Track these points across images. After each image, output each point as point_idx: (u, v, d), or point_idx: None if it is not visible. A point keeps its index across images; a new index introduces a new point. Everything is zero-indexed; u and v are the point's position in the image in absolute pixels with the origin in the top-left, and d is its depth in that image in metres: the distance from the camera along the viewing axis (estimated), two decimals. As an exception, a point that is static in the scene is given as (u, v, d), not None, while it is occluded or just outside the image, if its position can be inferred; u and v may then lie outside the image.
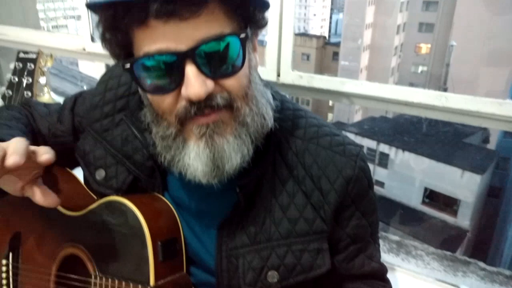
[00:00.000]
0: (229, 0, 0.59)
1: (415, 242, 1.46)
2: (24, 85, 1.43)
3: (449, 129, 17.49)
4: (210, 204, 0.77)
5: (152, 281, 0.69)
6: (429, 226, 15.77)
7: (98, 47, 1.70)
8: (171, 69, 0.60)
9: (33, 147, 0.63)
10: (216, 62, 0.60)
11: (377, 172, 17.31)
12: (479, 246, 15.42)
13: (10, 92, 1.43)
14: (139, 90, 0.71)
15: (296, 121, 0.77)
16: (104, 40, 0.64)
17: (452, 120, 1.19)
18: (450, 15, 24.25)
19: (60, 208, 0.83)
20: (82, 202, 0.82)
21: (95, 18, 0.64)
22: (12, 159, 0.57)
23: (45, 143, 0.89)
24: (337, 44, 33.37)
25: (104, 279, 0.74)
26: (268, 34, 1.34)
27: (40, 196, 0.68)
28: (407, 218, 15.92)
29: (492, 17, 21.61)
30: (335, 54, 33.32)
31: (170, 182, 0.80)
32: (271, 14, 1.31)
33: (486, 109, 1.12)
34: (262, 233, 0.73)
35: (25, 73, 1.44)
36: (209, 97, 0.60)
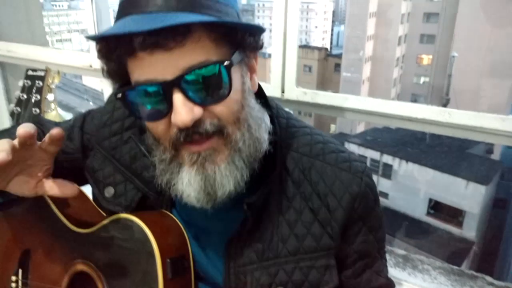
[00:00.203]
0: (215, 27, 0.60)
1: (421, 256, 1.45)
2: (33, 102, 1.46)
3: (452, 139, 17.44)
4: (217, 221, 0.77)
5: (161, 299, 0.69)
6: (435, 238, 15.61)
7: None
8: (160, 98, 0.61)
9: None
10: (203, 90, 0.61)
11: (381, 183, 17.23)
12: (486, 258, 15.22)
13: (19, 109, 1.46)
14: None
15: (302, 138, 0.78)
16: (103, 69, 0.68)
17: (455, 135, 1.20)
18: (451, 27, 24.38)
19: (69, 225, 0.84)
20: (91, 219, 0.83)
21: None
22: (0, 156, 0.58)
23: (54, 160, 0.91)
24: (339, 56, 33.58)
25: (113, 296, 0.75)
26: (273, 51, 1.36)
27: (56, 188, 0.69)
28: (412, 230, 15.78)
29: (493, 30, 21.72)
30: (337, 66, 33.49)
31: (178, 200, 0.81)
32: (274, 33, 1.33)
33: (489, 124, 1.13)
34: (269, 249, 0.74)
35: (34, 91, 1.46)
36: (197, 123, 0.61)
